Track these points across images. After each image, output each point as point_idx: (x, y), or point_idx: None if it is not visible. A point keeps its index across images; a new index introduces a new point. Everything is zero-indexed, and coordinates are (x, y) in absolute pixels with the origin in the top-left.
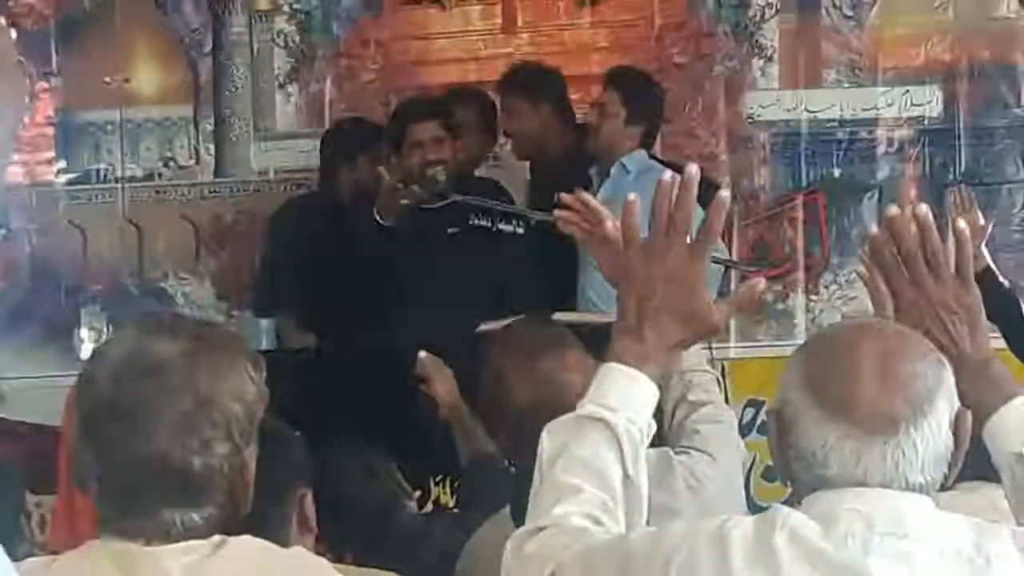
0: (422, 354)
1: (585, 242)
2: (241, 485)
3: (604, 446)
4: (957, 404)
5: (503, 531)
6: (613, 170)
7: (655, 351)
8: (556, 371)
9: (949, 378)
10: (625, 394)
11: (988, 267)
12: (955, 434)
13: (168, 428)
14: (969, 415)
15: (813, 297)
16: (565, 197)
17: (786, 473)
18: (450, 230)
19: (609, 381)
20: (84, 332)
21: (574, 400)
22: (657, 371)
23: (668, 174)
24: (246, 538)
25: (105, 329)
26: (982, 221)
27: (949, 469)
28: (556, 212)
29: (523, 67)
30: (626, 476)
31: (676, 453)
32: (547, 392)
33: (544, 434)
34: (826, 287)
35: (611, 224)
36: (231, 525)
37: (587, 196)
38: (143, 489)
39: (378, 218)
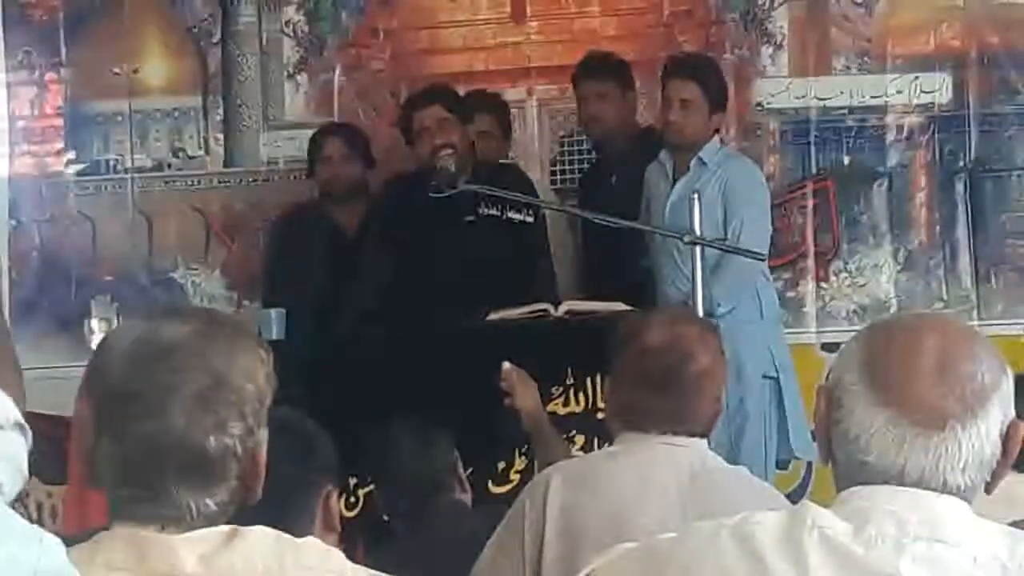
0: (506, 365)
1: None
2: (253, 468)
3: None
4: (1012, 414)
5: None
6: (692, 164)
7: None
8: (695, 338)
9: (1008, 384)
10: None
11: None
12: (1004, 443)
13: (183, 407)
14: (1022, 427)
15: (823, 285)
16: None
17: (827, 453)
18: (466, 218)
19: None
20: (94, 323)
21: (695, 371)
22: None
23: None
24: (259, 528)
25: (115, 319)
26: None
27: (992, 478)
28: None
29: (607, 55)
30: None
31: None
32: (679, 347)
33: None
34: (836, 275)
35: None
36: (243, 510)
37: None
38: (159, 471)
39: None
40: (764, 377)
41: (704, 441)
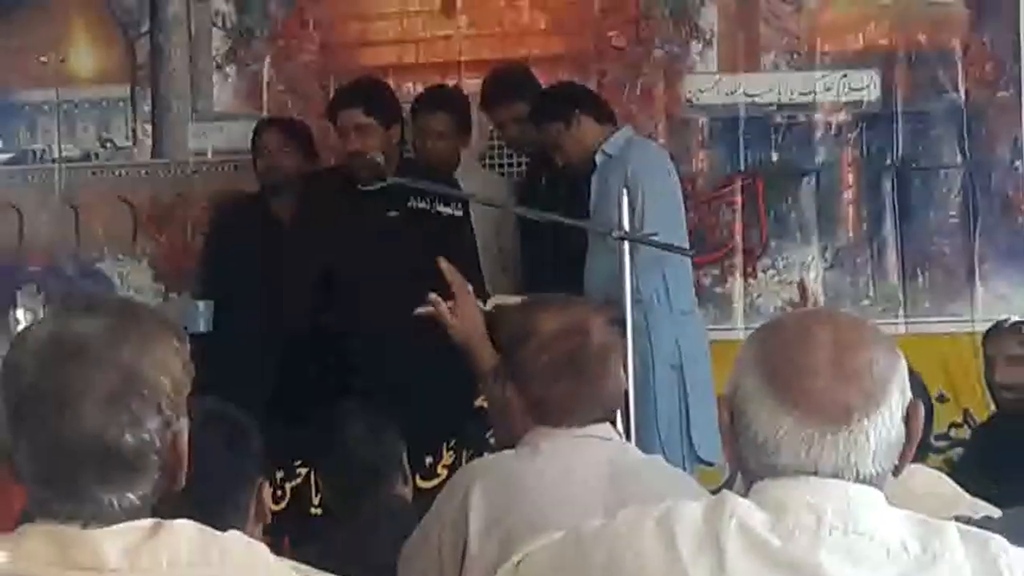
0: (432, 295)
1: None
2: (174, 459)
3: None
4: (910, 394)
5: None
6: (598, 159)
7: None
8: (587, 316)
9: (903, 367)
10: None
11: None
12: (907, 425)
13: (96, 405)
14: (921, 406)
15: (751, 281)
16: None
17: (736, 459)
18: (390, 213)
19: None
20: (20, 313)
21: (597, 347)
22: None
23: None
24: (183, 521)
25: (41, 310)
26: None
27: (900, 460)
28: None
29: (508, 73)
30: None
31: None
32: (577, 328)
33: None
34: (764, 271)
35: None
36: (168, 501)
37: None
38: (77, 471)
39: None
40: (671, 368)
41: (614, 430)
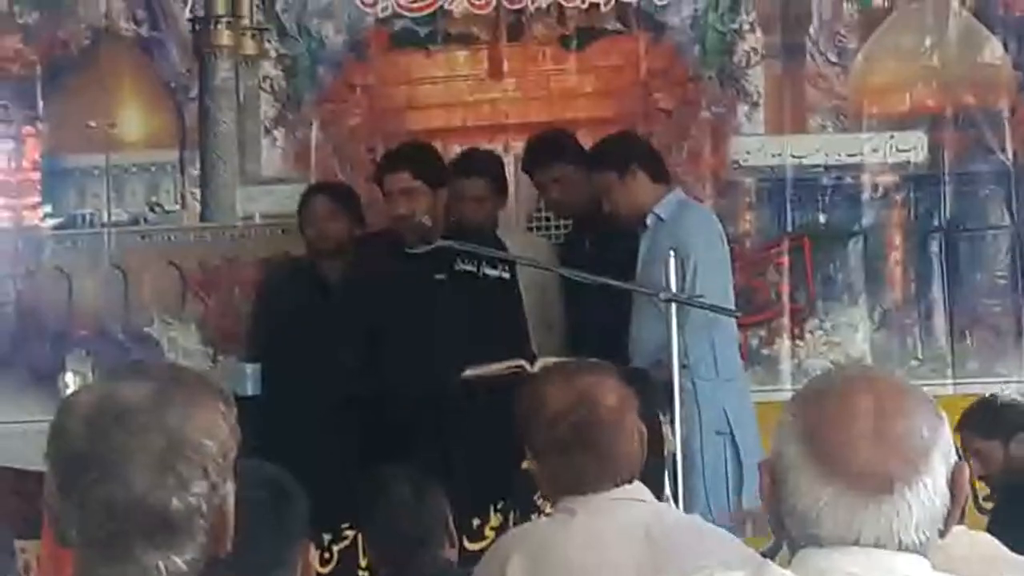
0: None
1: None
2: (221, 523)
3: None
4: (954, 458)
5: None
6: (649, 221)
7: None
8: (593, 384)
9: (946, 432)
10: None
11: None
12: (952, 489)
13: (143, 470)
14: (967, 469)
15: (799, 342)
16: None
17: (778, 526)
18: (437, 276)
19: None
20: (69, 377)
21: (605, 414)
22: None
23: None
24: None
25: (90, 374)
26: None
27: (945, 524)
28: None
29: (550, 136)
30: None
31: None
32: (582, 400)
33: None
34: (811, 332)
35: None
36: (214, 565)
37: None
38: (124, 535)
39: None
40: (717, 434)
41: (647, 489)
